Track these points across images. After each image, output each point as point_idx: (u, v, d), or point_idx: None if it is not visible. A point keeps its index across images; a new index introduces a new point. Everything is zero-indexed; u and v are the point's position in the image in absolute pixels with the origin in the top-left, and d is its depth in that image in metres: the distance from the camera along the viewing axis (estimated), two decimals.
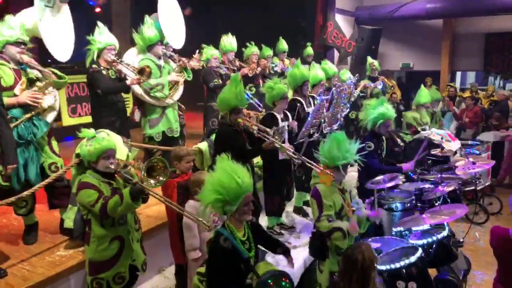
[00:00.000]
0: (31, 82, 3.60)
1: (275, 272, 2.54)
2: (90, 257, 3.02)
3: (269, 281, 2.44)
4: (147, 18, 5.07)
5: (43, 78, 3.64)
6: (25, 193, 3.38)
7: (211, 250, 2.55)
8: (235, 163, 2.59)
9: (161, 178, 2.96)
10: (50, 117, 3.70)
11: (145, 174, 2.88)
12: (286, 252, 2.91)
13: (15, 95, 3.43)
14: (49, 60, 5.11)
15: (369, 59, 8.43)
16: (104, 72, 4.49)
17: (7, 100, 3.37)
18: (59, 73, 3.77)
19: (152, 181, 2.91)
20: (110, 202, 2.79)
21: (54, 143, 3.81)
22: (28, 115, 3.46)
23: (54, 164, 3.68)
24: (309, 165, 3.87)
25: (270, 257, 4.31)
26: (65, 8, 4.06)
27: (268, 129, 3.98)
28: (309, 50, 8.31)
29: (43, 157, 3.65)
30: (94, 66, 4.47)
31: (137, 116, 5.17)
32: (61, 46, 3.96)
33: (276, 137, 3.91)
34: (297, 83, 5.04)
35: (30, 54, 3.65)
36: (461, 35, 12.06)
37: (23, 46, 3.55)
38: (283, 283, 2.51)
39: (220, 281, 2.48)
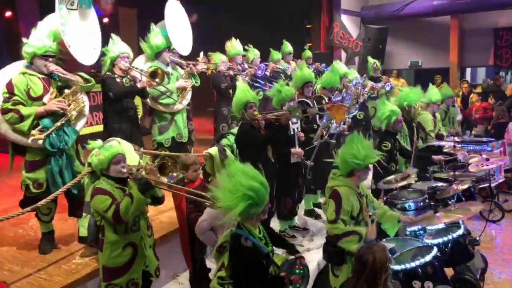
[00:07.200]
0: (60, 90, 3.65)
1: (291, 261, 2.71)
2: (103, 263, 3.04)
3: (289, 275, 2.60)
4: (153, 26, 5.14)
5: (70, 85, 3.68)
6: (43, 200, 3.40)
7: (234, 253, 2.54)
8: (247, 164, 2.57)
9: (174, 174, 3.00)
10: (80, 124, 3.74)
11: (159, 174, 2.92)
12: (293, 253, 2.93)
13: (44, 105, 3.48)
14: None
15: (370, 59, 8.18)
16: (118, 79, 4.55)
17: (36, 110, 3.44)
18: (86, 76, 3.80)
19: (165, 179, 2.95)
20: (121, 206, 2.83)
21: (81, 151, 3.86)
22: (58, 124, 3.50)
23: (79, 173, 3.70)
24: (319, 113, 4.47)
25: None
26: (91, 13, 4.05)
27: (282, 111, 4.19)
28: (308, 53, 8.24)
29: (77, 166, 3.70)
30: (108, 73, 4.53)
31: (148, 123, 5.29)
32: (86, 50, 3.95)
33: (291, 112, 4.03)
34: (300, 85, 5.07)
35: (60, 62, 3.69)
36: (469, 30, 11.93)
37: (51, 59, 3.58)
38: (297, 271, 2.65)
39: (247, 280, 2.50)
